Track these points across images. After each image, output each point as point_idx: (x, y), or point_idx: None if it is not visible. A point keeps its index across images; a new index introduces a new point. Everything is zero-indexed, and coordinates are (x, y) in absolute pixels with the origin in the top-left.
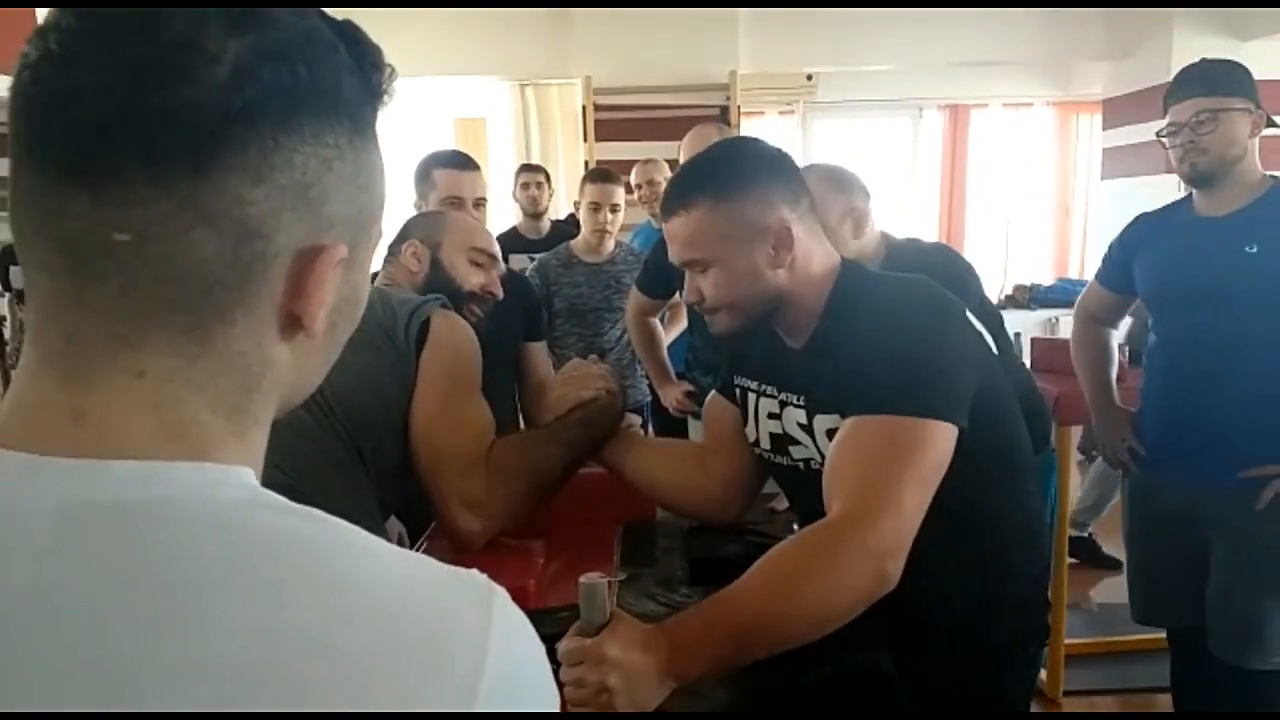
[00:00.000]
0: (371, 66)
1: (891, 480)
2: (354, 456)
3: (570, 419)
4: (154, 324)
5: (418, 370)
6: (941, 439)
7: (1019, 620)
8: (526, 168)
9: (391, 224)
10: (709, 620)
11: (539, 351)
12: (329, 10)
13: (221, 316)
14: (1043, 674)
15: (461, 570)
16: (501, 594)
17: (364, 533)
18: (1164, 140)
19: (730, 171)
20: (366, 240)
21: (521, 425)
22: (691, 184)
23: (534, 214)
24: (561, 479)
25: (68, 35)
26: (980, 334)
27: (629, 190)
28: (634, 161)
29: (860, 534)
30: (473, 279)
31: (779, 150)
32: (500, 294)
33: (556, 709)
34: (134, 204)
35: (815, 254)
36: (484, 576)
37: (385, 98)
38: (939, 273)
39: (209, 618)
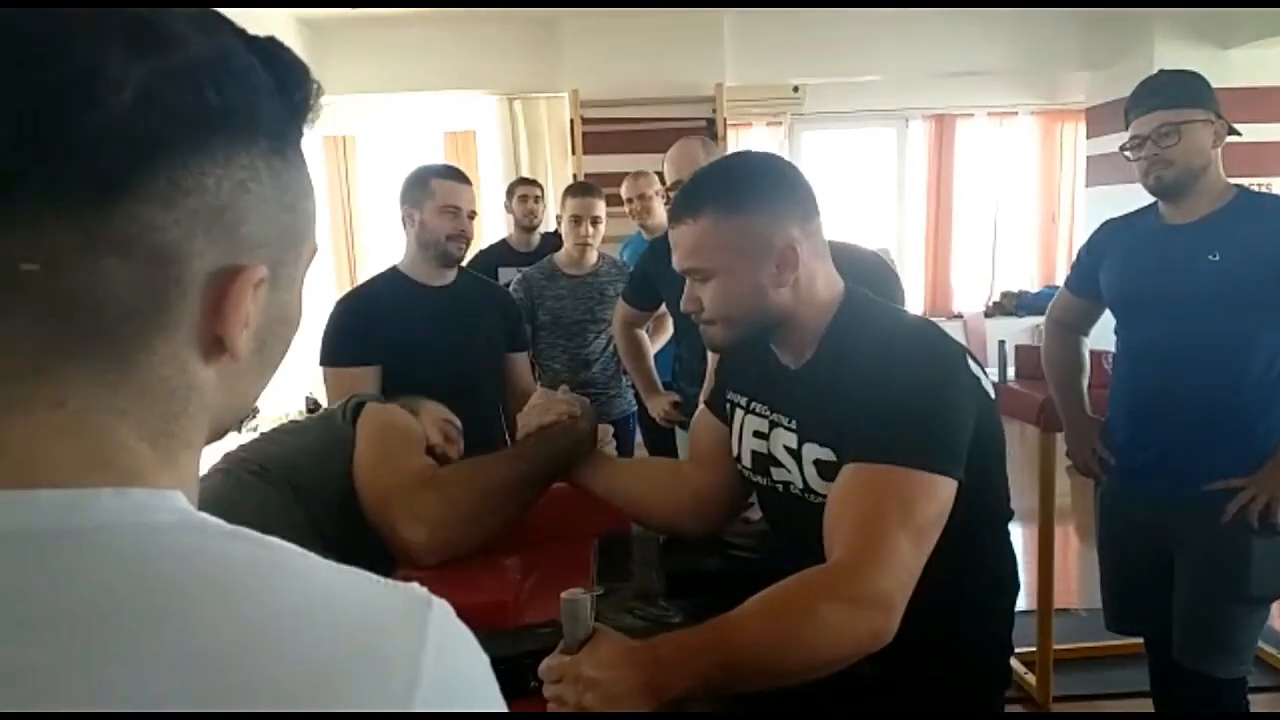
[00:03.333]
0: (293, 85)
1: (891, 534)
2: (299, 521)
3: (528, 437)
4: (70, 354)
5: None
6: (942, 493)
7: (983, 665)
8: (524, 181)
9: (380, 234)
10: (701, 644)
11: (521, 362)
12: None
13: (141, 344)
14: (1032, 679)
15: (399, 584)
16: (439, 606)
17: (298, 550)
18: (1128, 154)
19: (743, 185)
20: (295, 259)
21: (507, 436)
22: (703, 193)
23: (528, 227)
24: (520, 492)
25: None
26: (978, 379)
27: (619, 203)
28: (621, 174)
29: (856, 583)
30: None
31: (795, 168)
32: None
33: None
34: (40, 234)
35: (819, 276)
36: (423, 589)
37: (310, 115)
38: (864, 278)
39: (131, 647)
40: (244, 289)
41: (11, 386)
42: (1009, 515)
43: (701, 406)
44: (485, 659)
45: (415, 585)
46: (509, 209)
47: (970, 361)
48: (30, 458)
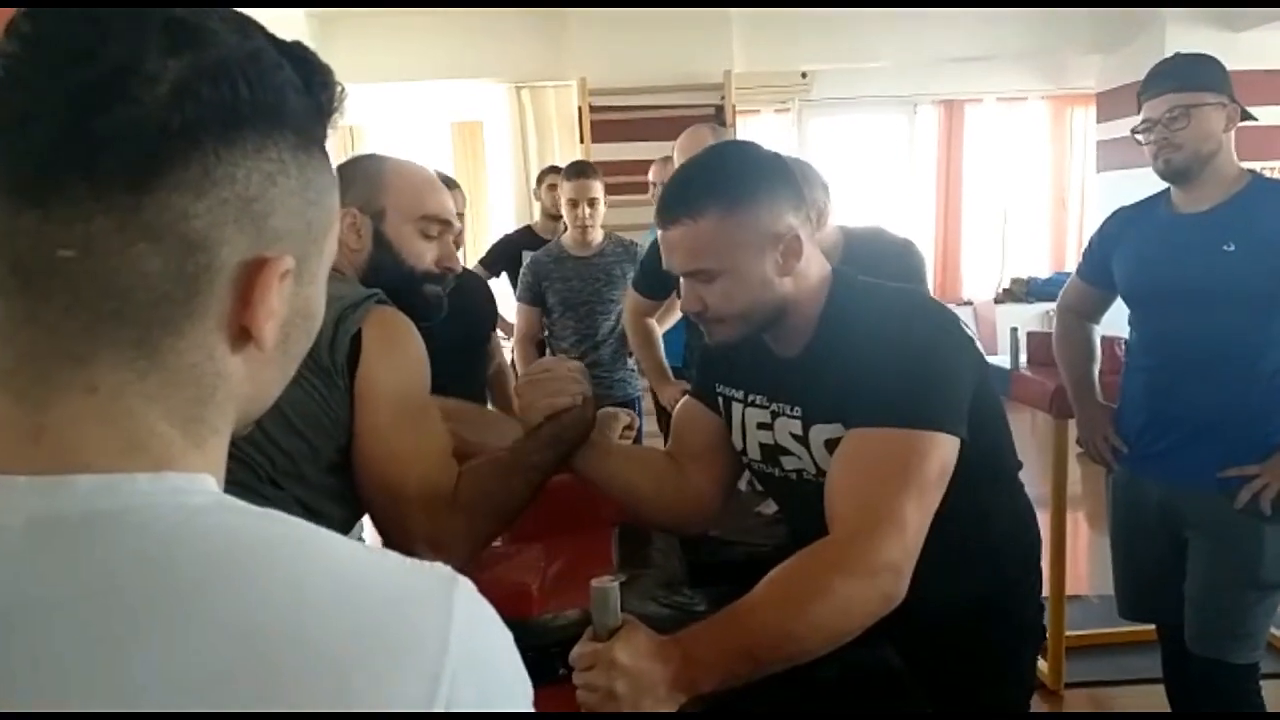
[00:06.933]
0: (319, 85)
1: (894, 497)
2: (277, 496)
3: (540, 436)
4: (103, 339)
5: (353, 390)
6: (944, 450)
7: (1012, 622)
8: (553, 170)
9: None
10: (722, 635)
11: (495, 339)
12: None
13: (169, 330)
14: (1044, 666)
15: (424, 563)
16: (464, 584)
17: (325, 531)
18: (1139, 137)
19: (741, 178)
20: (318, 253)
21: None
22: (700, 191)
23: (555, 215)
24: (529, 503)
25: (12, 61)
26: (972, 340)
27: (625, 190)
28: (630, 162)
29: (865, 553)
30: (427, 256)
31: (779, 155)
32: (459, 267)
33: (524, 696)
34: (78, 220)
35: (814, 262)
36: (447, 568)
37: (335, 115)
38: (892, 265)
39: (183, 622)
40: (271, 279)
41: (47, 372)
42: (1019, 465)
43: (686, 399)
44: (509, 634)
45: (440, 565)
46: (537, 196)
47: (963, 323)
48: (66, 443)
